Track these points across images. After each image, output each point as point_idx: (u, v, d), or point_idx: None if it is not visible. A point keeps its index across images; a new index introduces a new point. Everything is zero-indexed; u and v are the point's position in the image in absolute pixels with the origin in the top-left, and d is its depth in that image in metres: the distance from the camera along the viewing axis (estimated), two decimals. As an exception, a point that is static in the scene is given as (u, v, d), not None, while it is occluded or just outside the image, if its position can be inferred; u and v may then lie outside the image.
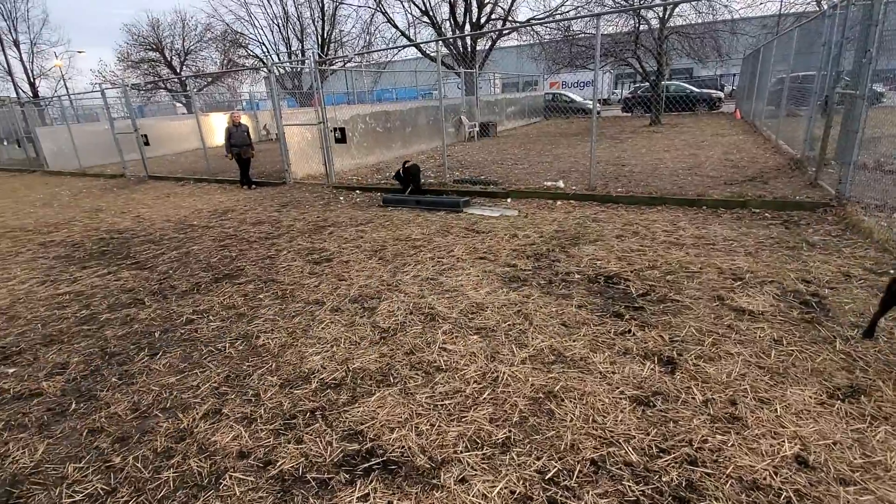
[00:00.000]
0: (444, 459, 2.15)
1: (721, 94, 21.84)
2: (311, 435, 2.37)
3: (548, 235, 5.27)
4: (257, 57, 31.55)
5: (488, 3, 20.18)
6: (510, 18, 20.51)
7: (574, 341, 3.06)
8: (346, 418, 2.48)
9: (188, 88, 27.86)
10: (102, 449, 2.39)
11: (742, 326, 3.11)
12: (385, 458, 2.18)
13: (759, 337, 2.97)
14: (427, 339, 3.20)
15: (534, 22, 19.19)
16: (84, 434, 2.51)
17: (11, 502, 2.10)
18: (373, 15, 24.19)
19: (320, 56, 24.23)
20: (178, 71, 33.35)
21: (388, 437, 2.31)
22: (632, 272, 4.10)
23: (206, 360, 3.16)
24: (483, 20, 20.26)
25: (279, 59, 29.96)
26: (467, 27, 20.53)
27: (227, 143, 9.72)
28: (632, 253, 4.56)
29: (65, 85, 35.81)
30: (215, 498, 2.04)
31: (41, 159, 16.32)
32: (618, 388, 2.58)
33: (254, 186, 10.07)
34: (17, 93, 30.68)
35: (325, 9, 27.91)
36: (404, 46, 20.13)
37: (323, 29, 28.75)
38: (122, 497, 2.08)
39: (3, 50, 30.47)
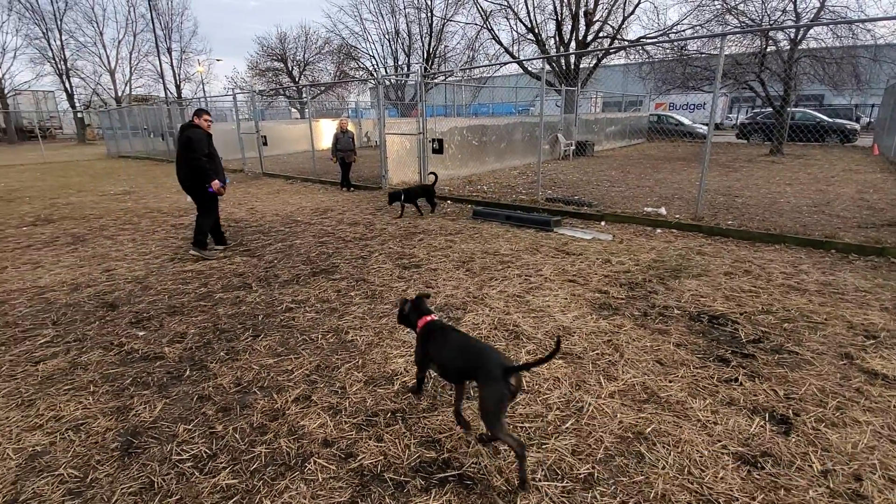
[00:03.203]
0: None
1: (857, 126, 19.27)
2: (390, 435, 2.42)
3: (644, 264, 4.97)
4: (367, 69, 33.65)
5: (597, 20, 19.70)
6: (619, 37, 19.85)
7: (670, 382, 2.82)
8: (425, 425, 2.50)
9: (303, 96, 30.45)
10: (208, 416, 2.63)
11: (874, 392, 2.68)
12: (461, 472, 2.16)
13: (894, 406, 2.54)
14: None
15: (645, 41, 18.40)
16: (194, 399, 2.79)
17: (131, 451, 2.38)
18: (479, 32, 24.71)
19: (425, 70, 25.24)
20: (296, 80, 36.60)
21: (464, 451, 2.29)
22: (741, 314, 3.72)
23: (300, 348, 3.37)
24: (590, 38, 19.83)
25: (386, 71, 31.68)
26: (572, 45, 20.21)
27: (334, 147, 10.42)
28: (742, 293, 4.14)
29: (203, 88, 40.93)
30: (300, 480, 2.15)
31: (179, 152, 18.66)
32: (720, 440, 2.33)
33: (352, 189, 10.68)
34: (166, 94, 35.56)
35: (434, 25, 29.06)
36: (507, 63, 20.28)
37: (429, 44, 29.94)
38: (221, 463, 2.27)
39: (159, 56, 35.55)
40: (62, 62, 36.77)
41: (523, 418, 2.52)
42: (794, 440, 2.33)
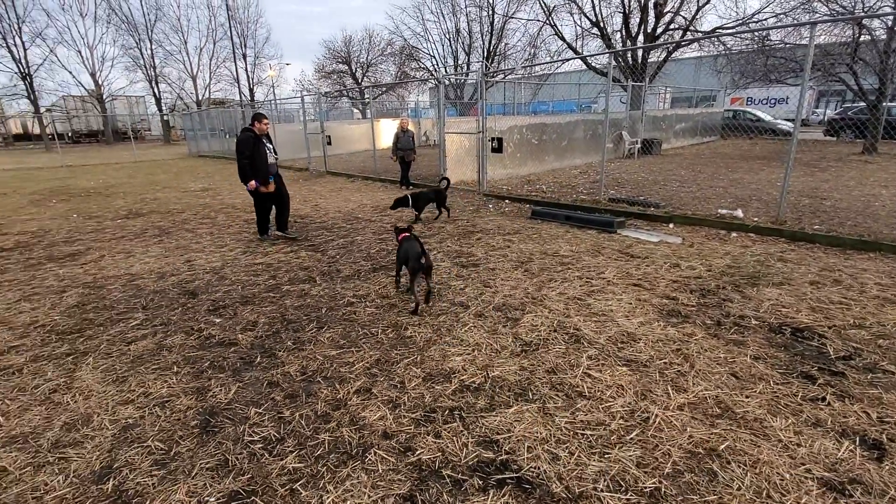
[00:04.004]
0: (583, 494, 2.02)
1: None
2: (448, 433, 2.44)
3: (718, 270, 4.66)
4: (427, 69, 34.09)
5: (668, 12, 18.69)
6: (692, 28, 18.72)
7: (747, 397, 2.63)
8: (483, 424, 2.49)
9: (365, 96, 31.36)
10: (277, 401, 2.78)
11: None
12: (519, 475, 2.13)
13: None
14: (570, 361, 3.06)
15: (722, 31, 17.21)
16: (264, 385, 2.95)
17: (209, 429, 2.56)
18: (541, 28, 24.26)
19: (486, 68, 25.15)
20: (359, 81, 37.75)
21: (523, 454, 2.26)
22: (830, 328, 3.40)
23: (361, 341, 3.47)
24: (659, 31, 18.86)
25: (446, 70, 31.92)
26: (640, 38, 19.33)
27: (395, 146, 10.64)
28: (831, 305, 3.78)
29: (273, 91, 43.24)
30: (360, 469, 2.21)
31: (251, 151, 19.85)
32: (803, 464, 2.15)
33: (411, 187, 10.85)
34: (240, 97, 37.95)
35: (495, 23, 28.90)
36: (570, 59, 19.74)
37: (490, 42, 29.82)
38: (288, 447, 2.38)
39: (235, 62, 38.01)
40: (152, 69, 40.20)
41: (584, 425, 2.45)
42: (887, 467, 2.10)
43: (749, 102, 27.90)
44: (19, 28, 34.23)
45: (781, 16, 15.24)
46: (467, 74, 31.05)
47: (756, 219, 6.33)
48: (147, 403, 2.79)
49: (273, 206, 6.57)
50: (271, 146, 6.34)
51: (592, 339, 3.34)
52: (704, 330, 3.43)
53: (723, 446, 2.26)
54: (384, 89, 36.35)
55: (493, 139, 9.42)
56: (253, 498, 2.07)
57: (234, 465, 2.27)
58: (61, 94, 38.95)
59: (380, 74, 38.98)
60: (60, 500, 2.09)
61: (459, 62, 32.49)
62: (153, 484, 2.17)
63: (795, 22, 13.93)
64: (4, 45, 33.99)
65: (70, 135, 39.20)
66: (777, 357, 3.04)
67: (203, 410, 2.71)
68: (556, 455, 2.25)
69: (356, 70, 39.36)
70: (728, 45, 17.51)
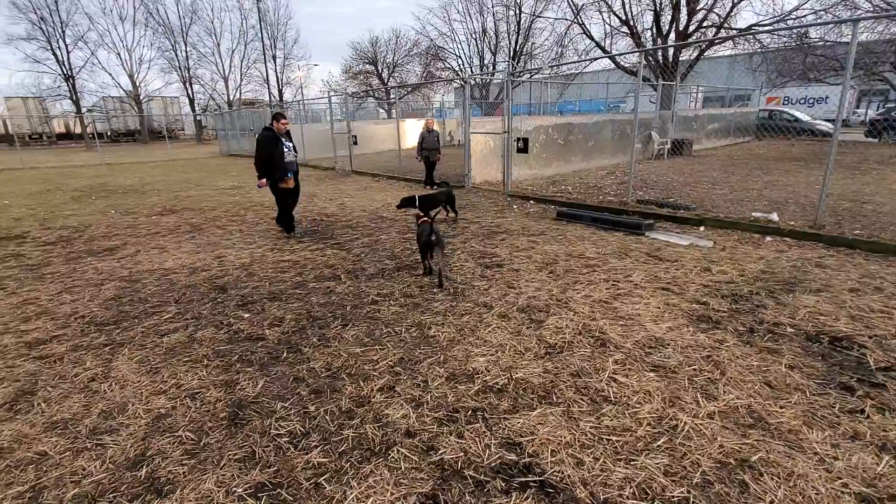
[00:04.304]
0: (608, 501, 1.98)
1: None
2: (471, 433, 2.43)
3: (751, 275, 4.52)
4: (453, 69, 34.12)
5: (701, 9, 18.19)
6: (726, 25, 18.18)
7: (781, 407, 2.54)
8: (506, 426, 2.47)
9: (391, 97, 31.59)
10: (302, 396, 2.82)
11: None
12: (543, 479, 2.11)
13: None
14: (596, 365, 3.01)
15: (758, 29, 16.65)
16: (290, 380, 3.01)
17: (237, 421, 2.62)
18: (569, 27, 23.94)
19: (513, 67, 25.02)
20: (385, 81, 38.06)
21: (546, 457, 2.24)
22: (870, 338, 3.25)
23: (385, 339, 3.50)
24: (692, 28, 18.38)
25: (472, 70, 31.88)
26: (671, 37, 18.88)
27: (420, 146, 10.68)
28: (872, 313, 3.61)
29: (301, 92, 44.01)
30: (384, 466, 2.23)
31: (279, 150, 20.30)
32: (839, 478, 2.06)
33: (435, 187, 10.88)
34: (269, 97, 38.73)
35: (522, 22, 28.72)
36: (598, 58, 19.43)
37: (516, 42, 29.65)
38: (313, 441, 2.42)
39: (265, 63, 38.84)
40: (186, 70, 41.49)
41: (610, 430, 2.41)
42: (938, 489, 1.99)
43: (786, 102, 26.93)
44: (63, 32, 35.87)
45: (821, 13, 14.66)
46: (493, 74, 30.95)
47: (792, 223, 6.11)
48: (178, 394, 2.88)
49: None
50: (291, 144, 6.56)
51: (619, 343, 3.28)
52: (736, 336, 3.32)
53: (755, 457, 2.19)
54: (409, 89, 36.54)
55: (518, 139, 9.36)
56: (279, 490, 2.11)
57: (261, 457, 2.32)
58: (101, 95, 40.61)
59: (406, 74, 39.24)
60: (97, 485, 2.18)
61: (485, 62, 32.42)
62: (184, 473, 2.24)
63: (837, 18, 13.38)
64: (49, 48, 35.68)
65: (109, 134, 40.81)
66: (814, 367, 2.92)
67: (232, 403, 2.78)
68: (581, 460, 2.22)
69: (382, 70, 39.70)
70: (764, 43, 16.94)
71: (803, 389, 2.70)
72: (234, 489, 2.12)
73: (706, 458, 2.19)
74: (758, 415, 2.49)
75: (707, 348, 3.17)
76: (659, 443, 2.31)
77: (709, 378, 2.83)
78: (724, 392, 2.69)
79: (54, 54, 35.96)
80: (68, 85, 36.96)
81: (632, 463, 2.18)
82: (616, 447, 2.29)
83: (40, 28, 35.17)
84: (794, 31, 14.80)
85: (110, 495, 2.12)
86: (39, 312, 4.23)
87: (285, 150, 6.37)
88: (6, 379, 3.12)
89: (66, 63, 36.45)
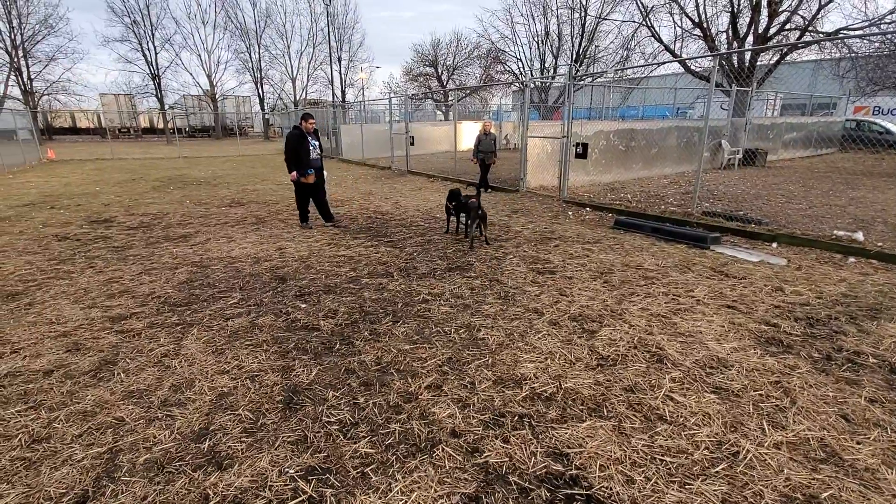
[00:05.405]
0: (659, 522, 1.90)
1: None
2: (517, 439, 2.41)
3: (830, 298, 4.17)
4: (512, 72, 33.89)
5: (784, 11, 16.98)
6: (811, 28, 16.86)
7: (858, 443, 2.33)
8: (553, 436, 2.43)
9: (449, 99, 31.83)
10: (352, 387, 2.91)
11: None
12: (590, 493, 2.05)
13: None
14: (651, 382, 2.89)
15: (848, 32, 15.32)
16: (341, 371, 3.11)
17: (291, 406, 2.74)
18: (636, 29, 23.12)
19: (575, 71, 24.52)
20: (444, 84, 38.43)
21: (594, 472, 2.17)
22: (973, 376, 2.90)
23: (434, 338, 3.54)
24: (772, 31, 17.20)
25: (532, 74, 31.53)
26: (749, 40, 17.76)
27: (476, 148, 10.69)
28: (975, 349, 3.23)
29: (363, 93, 45.33)
30: (428, 464, 2.25)
31: (339, 149, 21.06)
32: (929, 530, 1.86)
33: (489, 190, 10.85)
34: (333, 98, 40.21)
35: (587, 24, 28.07)
36: (667, 62, 18.63)
37: (580, 45, 29.02)
38: (361, 432, 2.49)
39: (331, 65, 40.39)
40: (258, 71, 43.92)
41: (664, 450, 2.30)
42: None
43: (876, 112, 24.60)
44: (152, 34, 39.03)
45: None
46: (553, 77, 30.45)
47: (880, 244, 5.57)
48: (240, 375, 3.05)
49: (310, 198, 7.30)
50: (317, 142, 7.12)
51: (677, 361, 3.13)
52: (811, 363, 3.08)
53: (825, 494, 2.02)
54: (468, 92, 36.67)
55: (577, 144, 9.15)
56: (328, 476, 2.18)
57: (312, 442, 2.41)
58: (182, 94, 43.86)
59: (465, 77, 39.43)
60: (165, 453, 2.35)
61: (546, 65, 31.96)
62: (242, 449, 2.37)
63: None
64: (139, 49, 38.95)
65: (187, 130, 43.95)
66: (901, 403, 2.65)
67: (287, 388, 2.91)
68: (631, 478, 2.14)
69: (441, 73, 40.11)
70: (854, 48, 15.57)
71: (884, 426, 2.45)
72: (286, 469, 2.22)
73: (770, 490, 2.05)
74: (831, 449, 2.29)
75: (776, 373, 2.96)
76: (717, 469, 2.18)
77: (777, 405, 2.64)
78: (794, 422, 2.49)
79: (144, 55, 39.27)
80: (154, 83, 40.21)
81: (687, 487, 2.08)
82: (670, 468, 2.19)
83: (133, 31, 38.52)
84: (888, 36, 13.48)
85: (177, 463, 2.28)
86: (122, 290, 4.63)
87: (311, 147, 6.92)
88: (92, 349, 3.43)
89: (153, 63, 39.68)
